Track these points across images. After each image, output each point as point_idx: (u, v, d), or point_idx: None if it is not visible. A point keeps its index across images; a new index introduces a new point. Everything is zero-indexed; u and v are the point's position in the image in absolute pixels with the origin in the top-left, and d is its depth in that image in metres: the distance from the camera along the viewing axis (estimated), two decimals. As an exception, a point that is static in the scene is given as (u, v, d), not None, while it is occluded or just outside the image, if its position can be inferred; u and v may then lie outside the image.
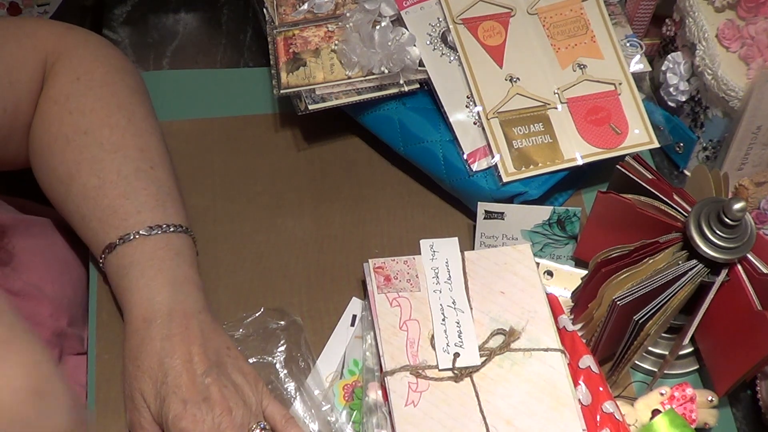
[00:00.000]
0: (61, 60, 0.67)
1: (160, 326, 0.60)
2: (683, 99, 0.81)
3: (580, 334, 0.66)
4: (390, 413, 0.61)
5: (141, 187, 0.64)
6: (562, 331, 0.66)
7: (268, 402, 0.61)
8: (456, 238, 0.70)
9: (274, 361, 0.67)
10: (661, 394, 0.65)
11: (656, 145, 0.76)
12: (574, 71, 0.78)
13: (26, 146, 0.68)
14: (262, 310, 0.69)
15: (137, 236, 0.62)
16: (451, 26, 0.77)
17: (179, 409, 0.56)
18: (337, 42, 0.77)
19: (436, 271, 0.68)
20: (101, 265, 0.65)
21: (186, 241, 0.65)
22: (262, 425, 0.58)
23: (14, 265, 0.66)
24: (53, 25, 0.70)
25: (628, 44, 0.80)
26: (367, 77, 0.76)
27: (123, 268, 0.62)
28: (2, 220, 0.68)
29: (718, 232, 0.61)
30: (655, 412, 0.64)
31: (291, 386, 0.66)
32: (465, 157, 0.74)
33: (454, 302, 0.66)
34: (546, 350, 0.64)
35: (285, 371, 0.66)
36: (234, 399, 0.58)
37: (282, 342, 0.68)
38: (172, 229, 0.64)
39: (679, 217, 0.65)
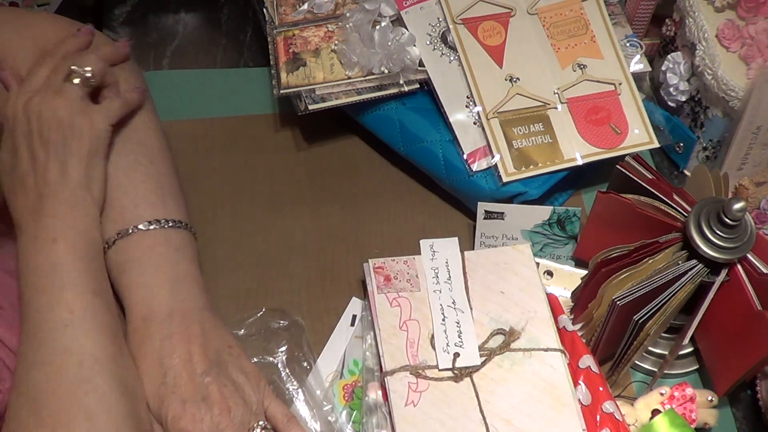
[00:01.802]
0: None
1: (159, 326, 0.59)
2: (683, 99, 0.81)
3: (580, 334, 0.66)
4: (390, 413, 0.61)
5: (139, 180, 0.64)
6: (562, 331, 0.66)
7: (270, 401, 0.60)
8: (456, 238, 0.70)
9: (276, 361, 0.67)
10: (661, 394, 0.65)
11: (656, 145, 0.76)
12: (574, 71, 0.78)
13: None
14: (263, 310, 0.69)
15: (135, 231, 0.62)
16: (451, 26, 0.77)
17: (178, 409, 0.56)
18: (337, 42, 0.77)
19: (436, 271, 0.68)
20: None
21: (186, 237, 0.64)
22: (262, 424, 0.58)
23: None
24: (54, 19, 0.70)
25: (628, 44, 0.80)
26: (367, 77, 0.76)
27: (121, 264, 0.62)
28: None
29: (718, 232, 0.61)
30: (655, 412, 0.64)
31: (292, 386, 0.66)
32: (465, 157, 0.74)
33: (454, 302, 0.66)
34: (546, 350, 0.64)
35: (287, 371, 0.66)
36: (234, 398, 0.58)
37: (284, 342, 0.67)
38: (171, 225, 0.63)
39: (679, 217, 0.65)
